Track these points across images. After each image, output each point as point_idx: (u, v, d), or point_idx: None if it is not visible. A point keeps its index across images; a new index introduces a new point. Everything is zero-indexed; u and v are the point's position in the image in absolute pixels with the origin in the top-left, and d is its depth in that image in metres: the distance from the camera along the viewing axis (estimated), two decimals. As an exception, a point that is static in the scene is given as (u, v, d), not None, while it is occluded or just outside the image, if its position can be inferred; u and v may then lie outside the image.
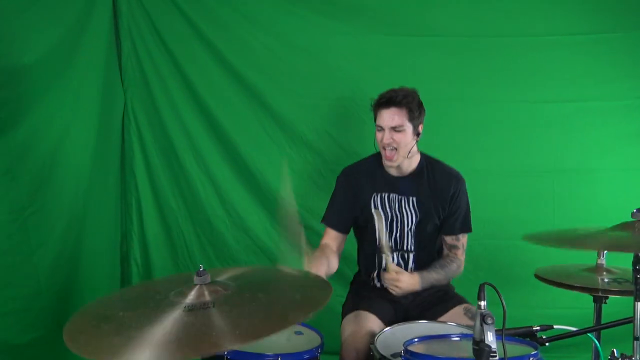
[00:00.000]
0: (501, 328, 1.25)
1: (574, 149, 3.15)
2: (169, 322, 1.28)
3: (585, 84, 3.10)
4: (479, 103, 3.16)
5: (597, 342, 1.54)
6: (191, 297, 1.37)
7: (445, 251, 2.38)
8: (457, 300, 2.20)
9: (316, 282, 1.60)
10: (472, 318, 2.01)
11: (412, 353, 1.43)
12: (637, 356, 1.28)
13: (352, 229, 2.48)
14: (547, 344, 1.57)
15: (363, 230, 2.38)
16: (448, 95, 3.13)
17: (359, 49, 3.14)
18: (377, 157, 2.43)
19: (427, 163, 2.36)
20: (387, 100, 2.24)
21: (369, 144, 3.18)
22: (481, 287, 1.32)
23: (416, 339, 1.57)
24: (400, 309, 2.21)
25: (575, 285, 1.79)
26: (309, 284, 1.60)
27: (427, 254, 2.33)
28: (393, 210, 2.30)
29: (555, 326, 1.61)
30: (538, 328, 1.58)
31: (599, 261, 1.87)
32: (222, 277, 1.51)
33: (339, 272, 3.07)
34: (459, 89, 3.15)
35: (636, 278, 1.28)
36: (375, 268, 2.33)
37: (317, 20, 3.12)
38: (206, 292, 1.37)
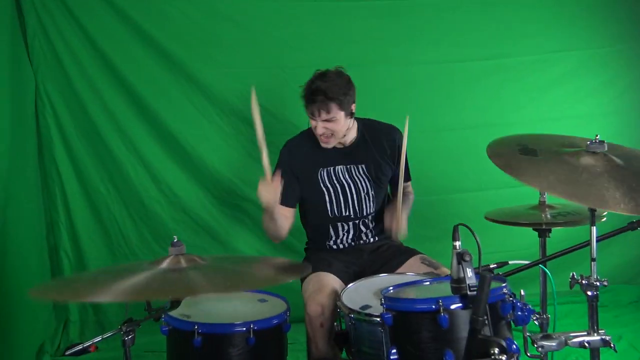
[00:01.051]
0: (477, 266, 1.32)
1: (493, 104, 3.33)
2: (142, 277, 1.27)
3: (499, 42, 3.29)
4: (402, 64, 3.25)
5: (547, 271, 1.66)
6: (166, 264, 1.32)
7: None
8: (410, 253, 2.25)
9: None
10: (430, 265, 2.10)
11: (393, 299, 1.47)
12: (595, 275, 1.40)
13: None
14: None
15: (310, 204, 2.36)
16: (372, 58, 3.19)
17: (284, 15, 3.11)
18: None
19: (364, 127, 2.37)
20: (313, 94, 2.17)
21: (299, 110, 3.18)
22: (455, 228, 1.38)
23: (391, 288, 1.62)
24: (356, 269, 2.25)
25: (523, 222, 1.92)
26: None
27: (380, 213, 2.36)
28: (344, 180, 2.29)
29: (509, 262, 1.72)
30: (495, 265, 1.67)
31: (541, 199, 2.02)
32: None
33: (288, 244, 3.10)
34: (384, 51, 3.22)
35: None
36: (329, 237, 2.33)
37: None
38: (182, 261, 1.33)
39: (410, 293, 1.59)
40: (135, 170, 3.10)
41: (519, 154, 1.48)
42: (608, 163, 1.41)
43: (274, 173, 2.34)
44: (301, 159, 2.32)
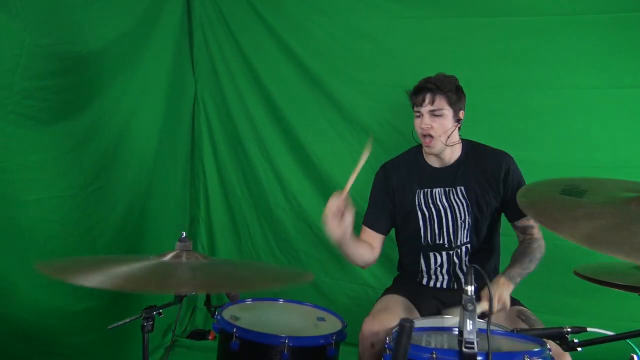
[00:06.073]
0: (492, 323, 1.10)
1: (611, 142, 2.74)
2: (137, 266, 1.31)
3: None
4: (549, 88, 2.83)
5: (636, 348, 1.29)
6: (168, 257, 1.37)
7: (521, 237, 2.11)
8: (510, 303, 1.92)
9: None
10: (526, 321, 1.80)
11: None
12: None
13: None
14: (579, 349, 1.37)
15: (402, 230, 2.22)
16: (514, 80, 2.87)
17: (422, 33, 3.00)
18: (418, 149, 2.23)
19: (471, 148, 2.16)
20: (424, 85, 2.10)
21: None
22: (468, 271, 1.17)
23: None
24: (441, 307, 2.03)
25: (620, 283, 1.52)
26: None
27: (484, 248, 2.12)
28: (441, 204, 2.11)
29: (588, 329, 1.39)
30: (569, 329, 1.37)
31: (653, 258, 1.59)
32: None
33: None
34: (528, 73, 2.86)
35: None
36: (420, 270, 2.15)
37: (380, 4, 3.03)
38: (184, 255, 1.37)
39: (427, 339, 1.39)
40: (267, 176, 3.28)
41: (559, 194, 1.18)
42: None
43: (370, 196, 2.28)
44: (398, 178, 2.21)
